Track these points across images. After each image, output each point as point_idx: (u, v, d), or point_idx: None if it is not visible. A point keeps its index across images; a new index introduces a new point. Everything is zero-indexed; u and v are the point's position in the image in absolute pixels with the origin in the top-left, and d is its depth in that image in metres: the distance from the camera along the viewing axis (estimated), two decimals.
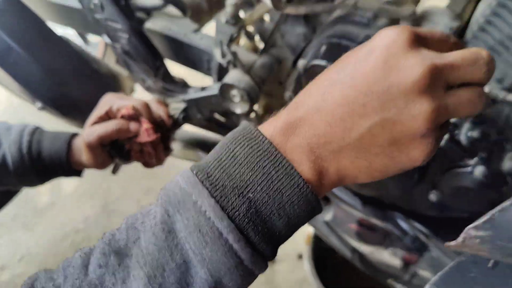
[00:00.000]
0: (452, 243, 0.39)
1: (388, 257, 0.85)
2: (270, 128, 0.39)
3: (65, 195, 1.74)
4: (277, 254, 0.40)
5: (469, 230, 0.38)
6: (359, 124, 0.36)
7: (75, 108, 0.96)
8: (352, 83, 0.36)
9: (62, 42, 0.94)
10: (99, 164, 0.80)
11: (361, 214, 0.85)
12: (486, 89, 0.59)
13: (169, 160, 0.91)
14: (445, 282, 0.49)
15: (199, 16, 0.96)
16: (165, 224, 0.36)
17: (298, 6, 0.66)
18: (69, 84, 0.94)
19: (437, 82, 0.35)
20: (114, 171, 0.85)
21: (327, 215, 0.91)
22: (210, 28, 0.88)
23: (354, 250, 0.88)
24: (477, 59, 0.36)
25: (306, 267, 1.18)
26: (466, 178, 0.66)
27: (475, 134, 0.64)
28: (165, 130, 0.85)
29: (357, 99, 0.36)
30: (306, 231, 1.22)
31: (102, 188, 1.75)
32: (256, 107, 1.00)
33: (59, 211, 1.70)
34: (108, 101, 0.80)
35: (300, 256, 1.38)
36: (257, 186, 0.36)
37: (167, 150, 0.86)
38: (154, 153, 0.80)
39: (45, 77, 0.92)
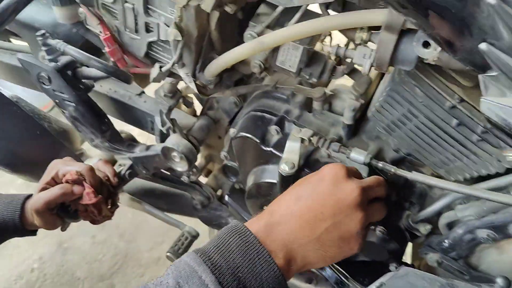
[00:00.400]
0: None
1: None
2: (255, 226, 0.55)
3: None
4: None
5: None
6: (319, 226, 0.56)
7: (29, 166, 1.02)
8: (313, 198, 0.58)
9: (12, 105, 0.99)
10: (49, 226, 0.86)
11: None
12: (380, 164, 0.71)
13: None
14: None
15: (143, 82, 1.04)
16: None
17: (224, 90, 0.76)
18: (20, 145, 1.00)
19: (365, 198, 0.58)
20: (63, 229, 0.92)
21: None
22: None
23: None
24: (380, 182, 0.64)
25: None
26: (371, 234, 0.77)
27: None
28: (111, 187, 0.92)
29: (317, 209, 0.56)
30: None
31: None
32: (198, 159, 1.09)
33: (13, 251, 1.72)
34: (54, 167, 0.86)
35: None
36: (245, 269, 0.50)
37: (114, 206, 0.93)
38: (97, 213, 0.87)
39: None
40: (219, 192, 1.10)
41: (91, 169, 0.87)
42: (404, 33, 0.53)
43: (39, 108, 1.09)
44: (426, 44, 0.50)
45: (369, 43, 0.58)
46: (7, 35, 1.21)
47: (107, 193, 0.90)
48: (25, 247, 1.73)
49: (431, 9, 0.42)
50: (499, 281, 0.44)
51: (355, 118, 0.76)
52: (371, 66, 0.57)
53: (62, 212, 0.87)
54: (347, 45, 0.76)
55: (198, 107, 1.05)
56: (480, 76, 0.45)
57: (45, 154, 0.99)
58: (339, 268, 0.91)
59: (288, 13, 0.67)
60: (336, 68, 0.75)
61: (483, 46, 0.41)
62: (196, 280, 0.48)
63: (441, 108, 0.65)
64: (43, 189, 0.84)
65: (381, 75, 0.85)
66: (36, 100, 1.20)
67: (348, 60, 0.61)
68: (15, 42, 1.28)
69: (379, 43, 0.54)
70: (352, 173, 0.62)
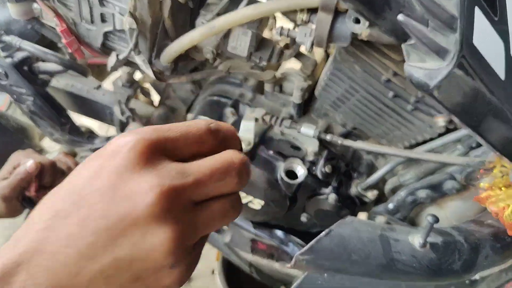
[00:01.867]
0: (288, 265, 0.55)
1: (278, 267, 1.02)
2: (8, 253, 0.29)
3: None
4: (193, 272, 0.36)
5: (297, 256, 0.55)
6: (88, 268, 0.29)
7: None
8: (78, 217, 0.29)
9: None
10: (14, 213, 0.87)
11: (253, 235, 1.01)
12: (328, 136, 0.78)
13: None
14: None
15: (100, 75, 1.07)
16: None
17: (179, 76, 0.80)
18: None
19: (177, 205, 0.30)
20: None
21: (226, 237, 1.06)
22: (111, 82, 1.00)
23: (250, 264, 1.04)
24: (228, 170, 0.32)
25: (217, 281, 1.32)
26: (324, 203, 0.84)
27: (327, 169, 0.83)
28: None
29: (84, 238, 0.29)
30: (216, 250, 1.36)
31: (15, 227, 1.75)
32: None
33: None
34: (16, 159, 0.87)
35: (213, 272, 1.52)
36: None
37: None
38: None
39: None
40: None
41: (53, 164, 0.88)
42: (338, 13, 0.60)
43: None
44: (357, 20, 0.57)
45: (309, 24, 0.64)
46: None
47: None
48: None
49: None
50: (429, 218, 0.51)
51: (303, 97, 0.83)
52: (312, 43, 0.63)
53: (25, 202, 0.88)
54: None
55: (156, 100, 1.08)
56: (402, 45, 0.52)
57: (3, 151, 0.99)
58: (299, 241, 0.97)
59: (235, 2, 0.72)
60: (283, 52, 0.80)
61: (400, 17, 0.47)
62: None
63: (378, 82, 0.72)
64: (6, 179, 0.85)
65: (326, 59, 0.92)
66: None
67: (293, 38, 0.67)
68: None
69: (317, 22, 0.60)
70: (171, 145, 0.32)
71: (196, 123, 0.34)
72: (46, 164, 0.87)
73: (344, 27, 0.60)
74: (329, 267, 0.55)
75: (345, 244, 0.55)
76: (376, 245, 0.55)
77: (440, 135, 0.75)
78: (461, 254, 0.56)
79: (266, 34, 0.89)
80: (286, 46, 0.83)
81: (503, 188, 0.62)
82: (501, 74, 0.44)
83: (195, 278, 1.57)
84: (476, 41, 0.43)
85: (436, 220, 0.52)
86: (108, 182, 0.30)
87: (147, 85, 1.00)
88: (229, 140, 0.36)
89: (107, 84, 1.10)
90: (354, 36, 0.62)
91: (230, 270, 1.38)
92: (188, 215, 0.31)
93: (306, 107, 0.87)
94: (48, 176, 0.87)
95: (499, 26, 0.43)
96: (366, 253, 0.55)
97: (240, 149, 0.37)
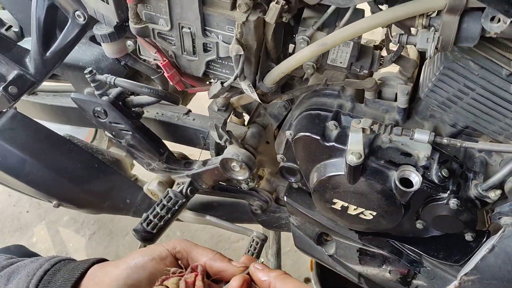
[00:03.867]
0: (451, 286, 0.52)
1: (390, 276, 0.99)
2: None
3: None
4: None
5: (462, 277, 0.52)
6: None
7: (89, 199, 1.06)
8: None
9: (68, 143, 1.03)
10: None
11: (359, 244, 0.98)
12: (445, 140, 0.74)
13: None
14: None
15: (186, 99, 1.08)
16: None
17: (281, 95, 0.79)
18: (80, 179, 1.04)
19: None
20: None
21: (330, 249, 1.04)
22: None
23: (360, 275, 1.02)
24: None
25: None
26: (442, 208, 0.80)
27: (444, 172, 0.79)
28: None
29: None
30: (309, 259, 1.35)
31: (110, 254, 1.82)
32: None
33: None
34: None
35: (306, 280, 1.51)
36: None
37: None
38: None
39: (57, 178, 1.02)
40: (275, 195, 1.13)
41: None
42: (465, 12, 0.56)
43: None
44: (493, 19, 0.53)
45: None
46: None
47: None
48: None
49: None
50: None
51: (408, 101, 0.79)
52: (436, 48, 0.60)
53: None
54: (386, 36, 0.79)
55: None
56: None
57: (105, 185, 1.02)
58: (410, 247, 0.94)
59: (333, 14, 0.71)
60: (383, 57, 0.78)
61: None
62: None
63: (498, 76, 0.68)
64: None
65: (421, 57, 0.88)
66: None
67: (409, 46, 0.64)
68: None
69: (443, 25, 0.57)
70: None
71: None
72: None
73: (472, 27, 0.57)
74: (497, 286, 0.52)
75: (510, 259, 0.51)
76: None
77: None
78: None
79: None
80: (377, 48, 0.80)
81: None
82: None
83: None
84: None
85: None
86: None
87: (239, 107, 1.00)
88: None
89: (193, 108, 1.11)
90: (482, 35, 0.58)
91: (324, 278, 1.36)
92: None
93: (408, 109, 0.84)
94: None
95: None
96: None
97: None
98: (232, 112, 0.92)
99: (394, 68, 0.86)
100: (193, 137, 1.03)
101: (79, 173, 1.03)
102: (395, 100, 0.84)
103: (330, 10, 0.69)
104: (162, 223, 0.95)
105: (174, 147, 1.15)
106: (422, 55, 0.88)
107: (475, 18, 0.56)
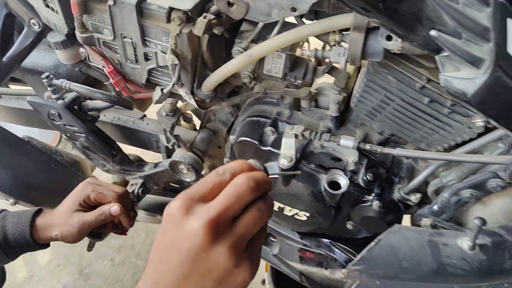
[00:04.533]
0: (341, 275, 0.58)
1: (329, 274, 1.05)
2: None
3: (41, 267, 1.84)
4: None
5: (350, 267, 0.58)
6: (188, 281, 0.47)
7: (45, 198, 1.10)
8: (171, 266, 0.47)
9: (26, 144, 1.08)
10: (75, 241, 0.93)
11: (301, 244, 1.04)
12: (367, 146, 0.80)
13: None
14: None
15: (141, 106, 1.13)
16: None
17: (220, 102, 0.85)
18: (37, 179, 1.08)
19: (220, 227, 0.46)
20: (89, 249, 1.00)
21: (275, 249, 1.09)
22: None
23: (301, 274, 1.07)
24: (238, 190, 0.47)
25: None
26: (368, 210, 0.86)
27: (369, 177, 0.85)
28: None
29: (176, 268, 0.47)
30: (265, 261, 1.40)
31: (75, 254, 1.85)
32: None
33: (37, 282, 1.79)
34: (85, 190, 0.93)
35: (263, 282, 1.56)
36: None
37: (135, 215, 1.00)
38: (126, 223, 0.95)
39: (14, 178, 1.06)
40: None
41: (126, 193, 0.95)
42: (369, 30, 0.63)
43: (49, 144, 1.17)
44: (389, 37, 0.60)
45: (342, 43, 0.68)
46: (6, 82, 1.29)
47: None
48: (47, 279, 1.79)
49: (388, 10, 0.52)
50: (476, 221, 0.53)
51: (340, 110, 0.86)
52: (346, 62, 0.66)
53: (92, 236, 0.95)
54: (323, 47, 0.86)
55: (197, 122, 1.14)
56: (436, 57, 0.55)
57: (61, 185, 1.06)
58: (346, 248, 1.00)
59: (267, 28, 0.76)
60: (316, 68, 0.84)
61: (433, 32, 0.50)
62: None
63: (413, 89, 0.74)
64: (78, 211, 0.90)
65: (358, 69, 0.95)
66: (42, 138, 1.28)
67: (326, 60, 0.70)
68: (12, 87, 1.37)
69: (350, 42, 0.63)
70: (199, 198, 0.48)
71: (237, 186, 0.48)
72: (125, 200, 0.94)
73: (376, 44, 0.63)
74: (381, 275, 0.58)
75: (395, 252, 0.57)
76: (425, 251, 0.57)
77: (480, 134, 0.76)
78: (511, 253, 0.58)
79: (298, 52, 0.93)
80: (319, 63, 0.87)
81: None
82: None
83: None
84: (510, 49, 0.46)
85: (484, 222, 0.54)
86: (172, 236, 0.47)
87: (188, 112, 1.05)
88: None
89: (149, 114, 1.16)
90: (387, 51, 0.65)
91: (279, 279, 1.41)
92: (230, 232, 0.47)
93: (342, 118, 0.90)
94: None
95: None
96: (416, 260, 0.57)
97: (262, 168, 0.55)
98: (180, 117, 0.98)
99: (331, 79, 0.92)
100: (146, 140, 1.08)
101: (35, 173, 1.07)
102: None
103: (260, 25, 0.75)
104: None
105: (133, 150, 1.21)
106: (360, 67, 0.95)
107: (377, 36, 0.62)
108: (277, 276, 1.42)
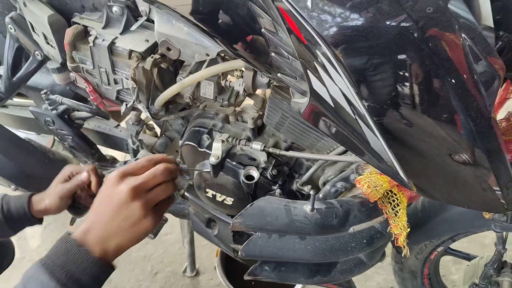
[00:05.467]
0: (230, 227, 0.90)
1: None
2: (77, 234, 0.76)
3: (32, 250, 2.11)
4: (199, 268, 0.90)
5: (234, 220, 0.90)
6: (113, 223, 0.76)
7: (39, 186, 1.42)
8: (104, 205, 0.78)
9: (27, 143, 1.40)
10: (59, 210, 1.18)
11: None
12: (271, 149, 1.13)
13: None
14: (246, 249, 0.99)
15: (118, 118, 1.46)
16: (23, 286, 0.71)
17: (169, 115, 1.18)
18: (34, 171, 1.40)
19: (139, 192, 0.77)
20: (72, 223, 1.31)
21: (215, 231, 1.41)
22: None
23: (234, 250, 1.39)
24: (156, 172, 0.81)
25: (218, 273, 1.66)
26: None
27: (274, 172, 1.18)
28: None
29: (107, 212, 0.77)
30: (216, 248, 1.71)
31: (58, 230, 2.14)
32: None
33: (28, 262, 2.06)
34: (68, 169, 1.17)
35: (215, 267, 1.87)
36: (70, 263, 0.72)
37: None
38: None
39: (16, 169, 1.38)
40: (182, 192, 1.50)
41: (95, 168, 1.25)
42: (256, 70, 0.96)
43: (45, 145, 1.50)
44: (264, 76, 0.94)
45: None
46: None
47: None
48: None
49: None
50: (311, 192, 0.85)
51: (255, 123, 1.19)
52: (244, 90, 1.00)
53: (71, 209, 1.26)
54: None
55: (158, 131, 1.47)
56: (290, 89, 0.88)
57: (52, 176, 1.38)
58: None
59: (202, 63, 1.10)
60: (239, 93, 1.18)
61: (279, 75, 0.84)
62: (37, 279, 0.70)
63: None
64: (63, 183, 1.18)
65: None
66: (39, 141, 1.61)
67: (232, 87, 1.04)
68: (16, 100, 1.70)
69: (244, 77, 0.97)
70: (130, 172, 0.81)
71: (156, 170, 0.82)
72: (94, 175, 1.23)
73: (260, 79, 0.97)
74: (254, 226, 0.90)
75: (262, 211, 0.90)
76: (281, 211, 0.90)
77: None
78: (337, 215, 0.90)
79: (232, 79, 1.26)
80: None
81: (370, 174, 0.96)
82: (331, 103, 0.80)
83: (201, 272, 1.92)
84: (315, 85, 0.79)
85: (316, 192, 0.86)
86: (108, 191, 0.79)
87: (151, 122, 1.38)
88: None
89: (123, 124, 1.49)
90: (270, 83, 0.98)
91: (228, 264, 1.72)
92: (145, 195, 0.79)
93: (260, 130, 1.23)
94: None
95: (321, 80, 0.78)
96: (275, 216, 0.89)
97: (175, 164, 0.88)
98: (144, 126, 1.31)
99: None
100: (119, 143, 1.40)
101: (33, 166, 1.39)
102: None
103: (193, 63, 1.09)
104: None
105: (112, 152, 1.53)
106: None
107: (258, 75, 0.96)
108: (226, 261, 1.72)
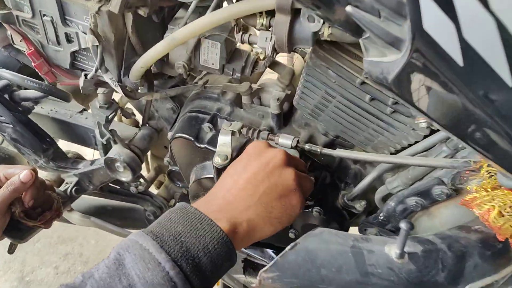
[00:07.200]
0: (253, 284, 0.51)
1: None
2: (195, 204, 0.58)
3: None
4: None
5: (262, 274, 0.51)
6: (256, 190, 0.60)
7: None
8: (244, 170, 0.63)
9: None
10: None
11: (245, 254, 0.97)
12: (306, 146, 0.74)
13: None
14: None
15: (83, 98, 1.06)
16: (116, 260, 0.49)
17: (152, 93, 0.78)
18: None
19: (289, 159, 0.64)
20: (11, 251, 0.91)
21: None
22: None
23: (244, 286, 1.00)
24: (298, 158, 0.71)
25: None
26: (310, 217, 0.80)
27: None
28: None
29: (250, 177, 0.61)
30: None
31: (17, 260, 1.75)
32: (146, 172, 1.11)
33: None
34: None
35: None
36: (187, 233, 0.51)
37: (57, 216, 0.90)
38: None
39: None
40: (172, 202, 1.11)
41: (35, 169, 0.84)
42: (297, 13, 0.57)
43: None
44: (311, 19, 0.54)
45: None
46: None
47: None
48: None
49: None
50: (403, 225, 0.47)
51: (281, 107, 0.80)
52: (274, 48, 0.61)
53: (8, 232, 0.86)
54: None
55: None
56: (360, 40, 0.49)
57: None
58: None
59: (202, 15, 0.71)
60: (258, 62, 0.78)
61: (349, 8, 0.44)
62: (137, 247, 0.49)
63: (353, 85, 0.69)
64: None
65: None
66: None
67: (255, 46, 0.65)
68: None
69: (275, 25, 0.57)
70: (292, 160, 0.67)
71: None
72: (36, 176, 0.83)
73: (303, 28, 0.57)
74: (298, 284, 0.51)
75: (313, 258, 0.51)
76: (347, 258, 0.51)
77: (426, 137, 0.71)
78: (445, 264, 0.51)
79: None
80: (264, 57, 0.81)
81: (489, 190, 0.57)
82: (458, 59, 0.41)
83: None
84: (427, 26, 0.40)
85: (411, 227, 0.48)
86: (254, 157, 0.65)
87: (129, 106, 0.99)
88: None
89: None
90: (317, 38, 0.59)
91: None
92: (295, 169, 0.64)
93: (286, 118, 0.84)
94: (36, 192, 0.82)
95: (447, 6, 0.39)
96: (337, 267, 0.50)
97: None
98: (117, 111, 0.91)
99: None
100: (85, 136, 1.01)
101: None
102: None
103: (190, 9, 0.69)
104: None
105: (78, 148, 1.13)
106: None
107: (301, 18, 0.57)
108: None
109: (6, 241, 0.87)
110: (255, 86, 0.83)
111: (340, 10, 0.46)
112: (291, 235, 0.85)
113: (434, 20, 0.40)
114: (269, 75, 0.90)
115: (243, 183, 0.61)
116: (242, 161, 0.66)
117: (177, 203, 0.57)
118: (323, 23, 0.54)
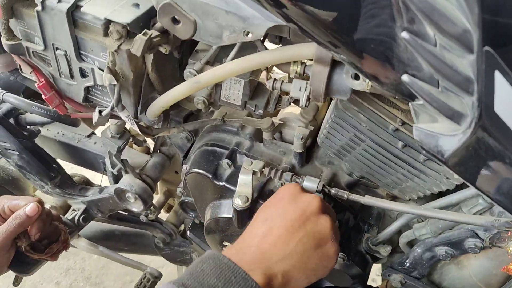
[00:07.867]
0: None
1: None
2: (228, 253, 0.54)
3: None
4: None
5: None
6: (292, 238, 0.55)
7: None
8: (279, 216, 0.58)
9: None
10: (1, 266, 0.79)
11: None
12: (333, 190, 0.70)
13: None
14: None
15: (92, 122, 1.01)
16: None
17: (170, 129, 0.74)
18: None
19: (324, 205, 0.61)
20: (16, 284, 0.87)
21: None
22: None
23: None
24: None
25: None
26: None
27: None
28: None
29: (286, 224, 0.57)
30: None
31: None
32: (157, 195, 1.07)
33: None
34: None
35: None
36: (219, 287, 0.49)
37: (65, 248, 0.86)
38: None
39: None
40: (182, 227, 1.07)
41: (41, 201, 0.79)
42: (336, 63, 0.53)
43: None
44: (356, 76, 0.50)
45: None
46: None
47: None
48: None
49: (354, 46, 0.42)
50: None
51: (304, 145, 0.76)
52: (308, 98, 0.56)
53: (13, 265, 0.82)
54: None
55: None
56: (410, 104, 0.45)
57: None
58: None
59: (227, 48, 0.66)
60: (281, 98, 0.74)
61: (405, 77, 0.41)
62: None
63: (385, 131, 0.65)
64: None
65: (330, 100, 0.85)
66: None
67: (286, 92, 0.61)
68: None
69: (313, 75, 0.53)
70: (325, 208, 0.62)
71: None
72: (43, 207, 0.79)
73: (343, 80, 0.53)
74: None
75: None
76: None
77: (458, 186, 0.67)
78: None
79: (263, 75, 0.83)
80: (286, 92, 0.77)
81: None
82: None
83: None
84: (498, 108, 0.36)
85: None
86: (289, 202, 0.60)
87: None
88: None
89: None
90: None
91: None
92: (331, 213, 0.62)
93: (309, 153, 0.80)
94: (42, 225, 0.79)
95: None
96: None
97: None
98: (128, 140, 0.87)
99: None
100: (93, 161, 0.96)
101: None
102: None
103: (214, 46, 0.65)
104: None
105: (82, 170, 1.09)
106: None
107: (344, 74, 0.52)
108: None
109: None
110: (276, 121, 0.78)
111: (393, 76, 0.42)
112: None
113: (508, 105, 0.36)
114: (290, 108, 0.86)
115: (278, 231, 0.57)
116: (275, 205, 0.61)
117: (207, 251, 0.55)
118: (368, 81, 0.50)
